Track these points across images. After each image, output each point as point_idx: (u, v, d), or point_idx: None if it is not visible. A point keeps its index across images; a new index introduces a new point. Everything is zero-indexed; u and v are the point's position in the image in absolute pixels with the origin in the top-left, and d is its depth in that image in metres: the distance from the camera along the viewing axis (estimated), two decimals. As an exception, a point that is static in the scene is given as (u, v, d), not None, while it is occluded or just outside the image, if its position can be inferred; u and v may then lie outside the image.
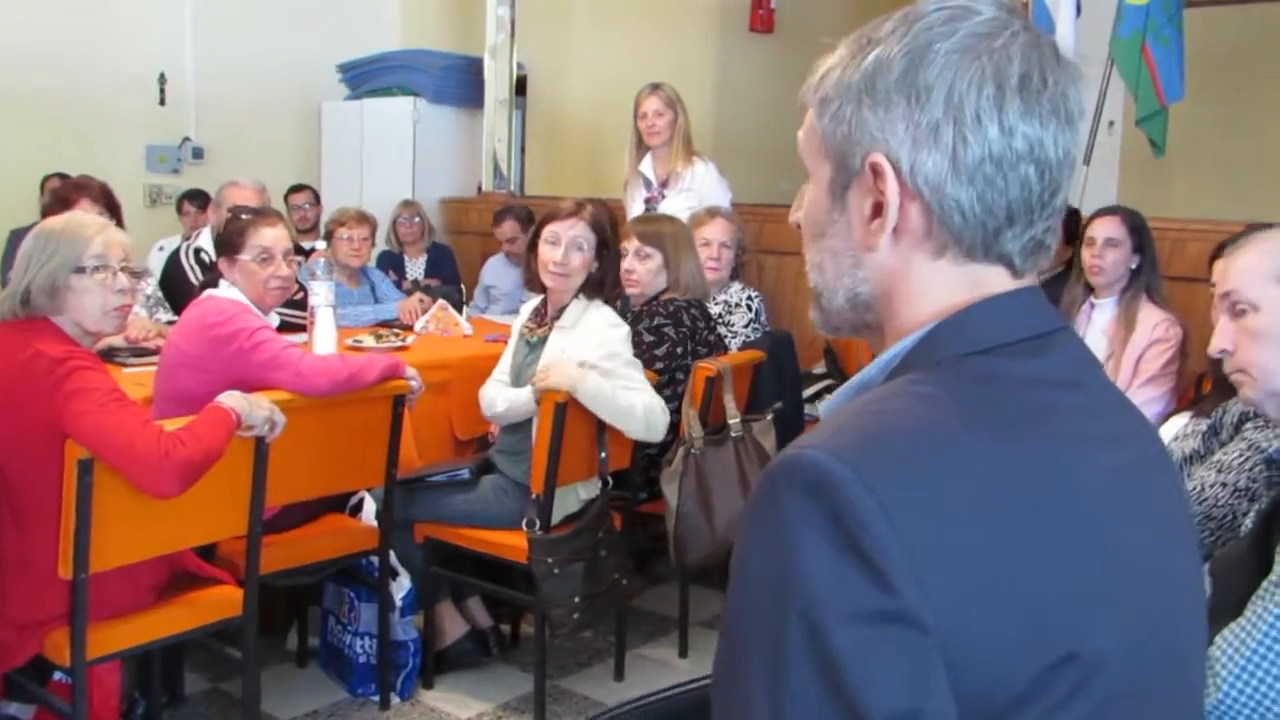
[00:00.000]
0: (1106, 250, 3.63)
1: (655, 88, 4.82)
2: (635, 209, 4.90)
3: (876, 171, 0.93)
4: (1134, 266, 3.63)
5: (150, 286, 4.53)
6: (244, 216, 3.27)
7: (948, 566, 0.80)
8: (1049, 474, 0.87)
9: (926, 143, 0.90)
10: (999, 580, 0.82)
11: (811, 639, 0.79)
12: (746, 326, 4.30)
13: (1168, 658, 0.94)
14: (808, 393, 4.41)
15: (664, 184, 4.85)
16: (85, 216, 2.86)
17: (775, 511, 0.84)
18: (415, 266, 6.02)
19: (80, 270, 2.61)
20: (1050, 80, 0.91)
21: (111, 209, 4.04)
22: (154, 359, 3.44)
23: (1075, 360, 0.97)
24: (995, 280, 0.95)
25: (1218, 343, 1.76)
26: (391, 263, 5.94)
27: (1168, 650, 0.94)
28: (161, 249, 5.67)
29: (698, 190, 4.71)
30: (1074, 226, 3.91)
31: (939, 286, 0.94)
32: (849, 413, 0.90)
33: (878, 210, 0.94)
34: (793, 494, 0.83)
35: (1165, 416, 3.30)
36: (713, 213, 4.40)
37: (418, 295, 5.01)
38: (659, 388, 3.59)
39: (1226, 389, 2.07)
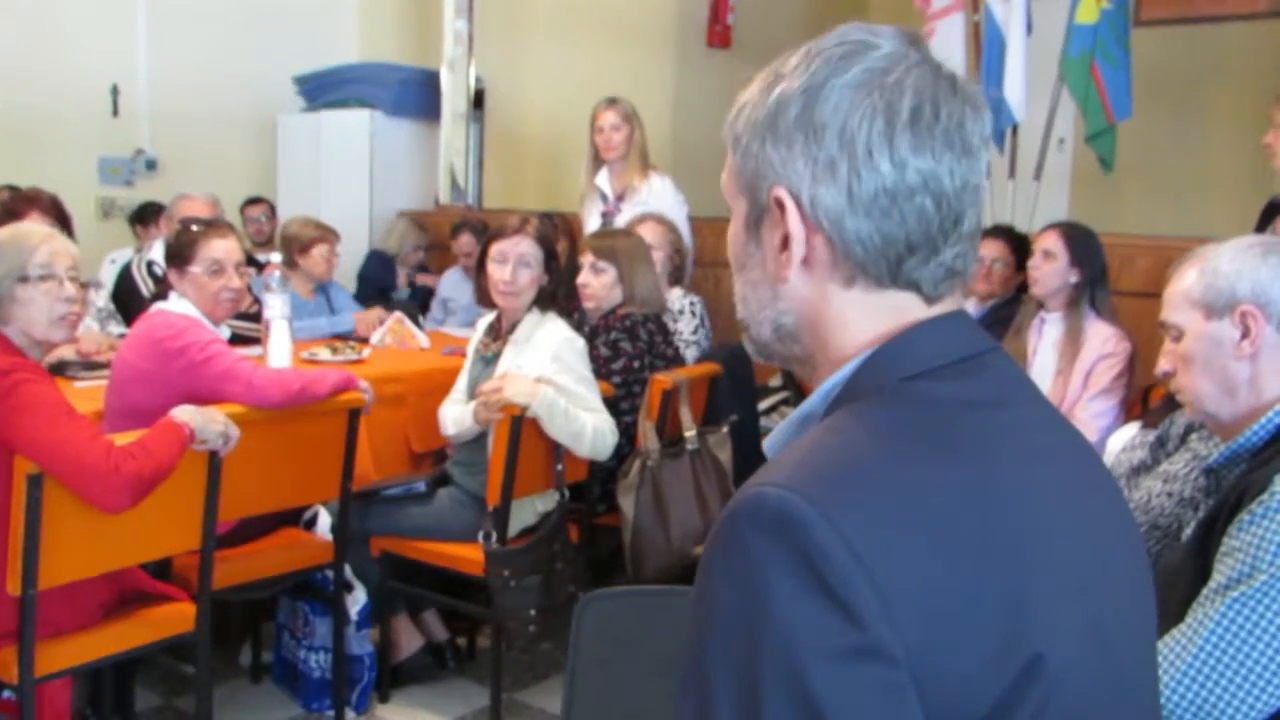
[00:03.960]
0: (1042, 262, 3.70)
1: (612, 102, 4.83)
2: (592, 222, 4.90)
3: (780, 205, 0.95)
4: (1074, 280, 3.67)
5: (102, 299, 4.49)
6: (195, 228, 3.25)
7: (913, 596, 0.81)
8: (998, 492, 0.88)
9: (824, 178, 0.93)
10: (962, 603, 0.82)
11: (788, 679, 0.79)
12: (695, 333, 4.29)
13: (1127, 662, 0.96)
14: (763, 406, 4.42)
15: (620, 197, 4.86)
16: (31, 226, 2.84)
17: (740, 551, 0.83)
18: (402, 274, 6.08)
19: (25, 279, 2.59)
20: (944, 113, 0.93)
21: (62, 221, 4.00)
22: (105, 373, 3.40)
23: (1007, 380, 0.99)
24: (912, 307, 0.96)
25: (1160, 364, 1.83)
26: (384, 265, 5.99)
27: (1127, 655, 0.96)
28: (114, 261, 5.61)
29: (654, 204, 4.70)
30: (1023, 253, 3.97)
31: (861, 314, 0.96)
32: (804, 446, 0.90)
33: (786, 243, 0.96)
34: (757, 533, 0.82)
35: (1114, 429, 3.36)
36: (645, 217, 4.38)
37: (377, 311, 5.00)
38: (616, 401, 3.60)
39: (1175, 401, 2.11)
